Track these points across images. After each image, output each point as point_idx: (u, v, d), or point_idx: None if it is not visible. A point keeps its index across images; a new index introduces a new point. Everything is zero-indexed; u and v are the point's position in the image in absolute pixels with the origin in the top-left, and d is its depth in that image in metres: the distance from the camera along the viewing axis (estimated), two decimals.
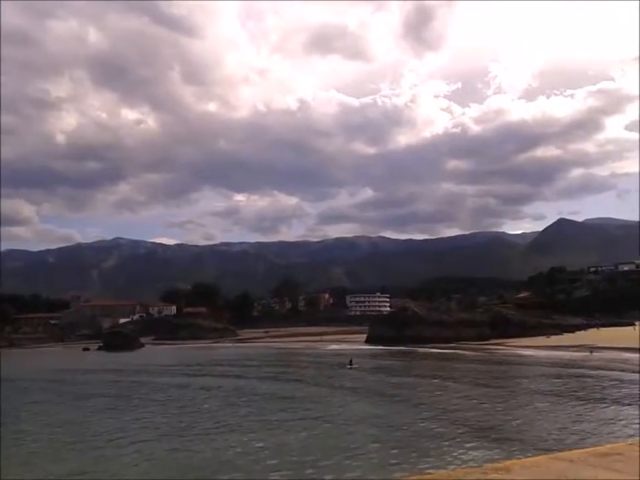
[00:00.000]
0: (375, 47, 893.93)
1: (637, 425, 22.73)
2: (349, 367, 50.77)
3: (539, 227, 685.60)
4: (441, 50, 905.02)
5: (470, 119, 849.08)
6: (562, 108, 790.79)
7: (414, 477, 3.03)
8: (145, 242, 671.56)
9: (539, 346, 71.97)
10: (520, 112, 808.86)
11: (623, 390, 33.33)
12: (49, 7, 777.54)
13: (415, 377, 45.01)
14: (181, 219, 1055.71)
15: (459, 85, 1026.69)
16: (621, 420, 24.25)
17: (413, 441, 21.15)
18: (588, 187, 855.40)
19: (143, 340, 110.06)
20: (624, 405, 28.33)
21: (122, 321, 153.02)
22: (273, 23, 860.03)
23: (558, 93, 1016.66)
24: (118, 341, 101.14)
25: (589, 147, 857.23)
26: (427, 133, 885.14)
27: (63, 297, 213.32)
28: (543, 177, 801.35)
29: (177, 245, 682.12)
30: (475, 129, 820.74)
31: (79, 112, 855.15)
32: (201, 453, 20.36)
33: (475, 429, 23.14)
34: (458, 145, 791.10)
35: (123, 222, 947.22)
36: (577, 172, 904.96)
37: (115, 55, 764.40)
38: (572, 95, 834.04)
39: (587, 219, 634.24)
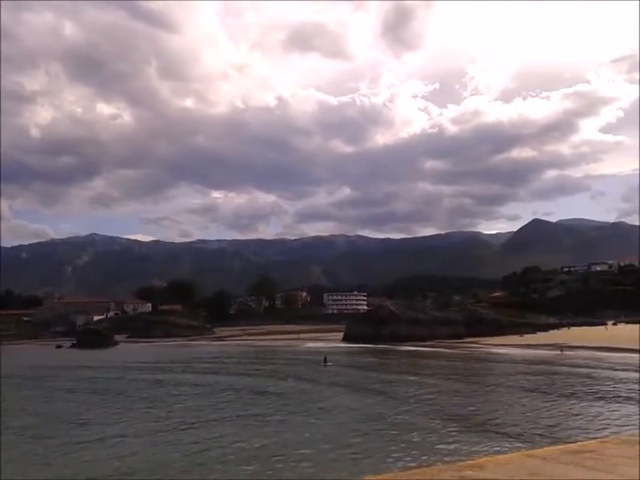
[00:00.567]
0: (353, 45, 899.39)
1: (605, 420, 23.53)
2: (323, 364, 51.06)
3: (514, 227, 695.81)
4: (419, 50, 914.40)
5: (447, 119, 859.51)
6: (538, 110, 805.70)
7: (387, 475, 3.03)
8: (120, 238, 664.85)
9: (512, 344, 72.87)
10: (496, 113, 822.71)
11: (594, 387, 34.07)
12: None
13: (394, 373, 45.55)
14: (157, 215, 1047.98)
15: (437, 85, 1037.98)
16: (590, 415, 25.08)
17: (392, 433, 21.57)
18: (562, 188, 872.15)
19: (117, 337, 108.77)
20: (591, 400, 29.21)
21: (96, 318, 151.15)
22: (252, 20, 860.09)
23: (534, 94, 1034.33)
24: (92, 338, 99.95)
25: (563, 148, 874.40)
26: (405, 133, 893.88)
27: (36, 293, 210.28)
28: (518, 177, 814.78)
29: (153, 241, 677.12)
30: (452, 129, 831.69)
31: (54, 106, 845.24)
32: (180, 446, 20.38)
33: (455, 421, 23.86)
34: (435, 145, 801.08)
35: (98, 218, 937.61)
36: (551, 173, 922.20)
37: (91, 49, 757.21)
38: (548, 97, 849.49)
39: (561, 220, 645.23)
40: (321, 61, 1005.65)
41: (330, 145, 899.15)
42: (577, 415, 25.32)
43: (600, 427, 21.99)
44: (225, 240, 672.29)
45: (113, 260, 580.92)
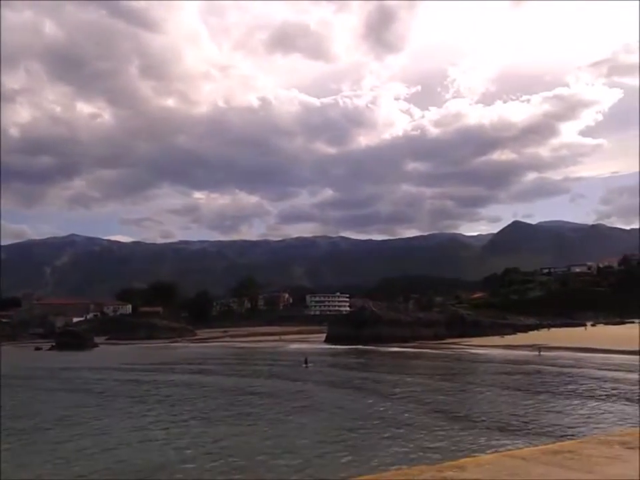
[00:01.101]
0: (336, 47, 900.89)
1: (580, 417, 24.22)
2: (304, 365, 51.14)
3: (494, 228, 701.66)
4: (401, 52, 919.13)
5: (429, 121, 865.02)
6: (518, 113, 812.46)
7: (369, 476, 3.01)
8: (100, 239, 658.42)
9: (493, 345, 73.61)
10: (477, 116, 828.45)
11: (569, 386, 34.90)
12: None
13: (376, 372, 46.17)
14: (138, 216, 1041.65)
15: (419, 87, 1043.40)
16: (566, 411, 25.97)
17: (376, 429, 22.05)
18: (542, 191, 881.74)
19: (96, 339, 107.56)
20: (567, 398, 30.06)
21: (75, 319, 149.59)
22: (235, 20, 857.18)
23: (514, 97, 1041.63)
24: (71, 340, 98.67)
25: (543, 151, 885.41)
26: (387, 135, 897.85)
27: (15, 294, 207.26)
28: (498, 180, 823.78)
29: (134, 242, 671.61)
30: (434, 131, 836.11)
31: (33, 105, 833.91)
32: (165, 445, 20.40)
33: (440, 416, 24.77)
34: (417, 147, 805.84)
35: (77, 218, 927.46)
36: (531, 176, 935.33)
37: (72, 48, 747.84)
38: (528, 100, 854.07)
39: (540, 222, 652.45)
40: (303, 62, 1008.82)
41: (313, 146, 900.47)
42: (554, 411, 26.05)
43: (576, 424, 22.65)
44: (207, 241, 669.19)
45: (93, 261, 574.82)
